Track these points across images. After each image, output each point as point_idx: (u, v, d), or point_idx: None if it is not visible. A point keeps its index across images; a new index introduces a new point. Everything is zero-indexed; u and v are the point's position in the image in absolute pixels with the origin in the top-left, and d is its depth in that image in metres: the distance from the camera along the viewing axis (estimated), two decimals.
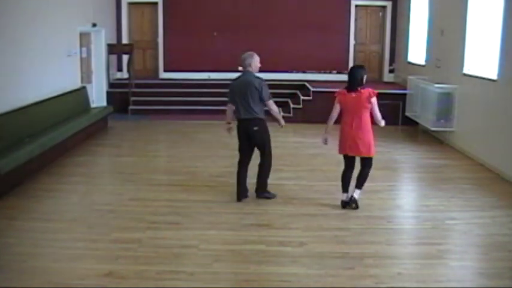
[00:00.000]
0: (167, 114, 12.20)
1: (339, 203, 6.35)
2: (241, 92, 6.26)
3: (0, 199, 6.30)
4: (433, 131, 10.13)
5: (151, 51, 14.21)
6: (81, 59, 11.11)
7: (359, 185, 6.22)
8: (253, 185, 6.54)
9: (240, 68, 6.47)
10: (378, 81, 13.90)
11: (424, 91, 10.36)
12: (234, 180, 7.27)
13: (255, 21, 13.82)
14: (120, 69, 13.84)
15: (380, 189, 6.98)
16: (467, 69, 9.15)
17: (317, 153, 8.84)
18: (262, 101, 6.30)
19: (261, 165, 6.47)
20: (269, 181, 6.72)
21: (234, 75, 14.27)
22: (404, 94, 11.59)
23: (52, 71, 9.34)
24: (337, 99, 6.18)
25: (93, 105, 11.20)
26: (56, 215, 5.96)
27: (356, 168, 6.30)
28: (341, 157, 8.75)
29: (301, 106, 12.07)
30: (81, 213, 6.01)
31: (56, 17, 9.46)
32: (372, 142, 6.09)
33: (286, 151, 8.96)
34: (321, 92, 11.86)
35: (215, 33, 13.85)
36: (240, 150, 6.46)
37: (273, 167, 7.75)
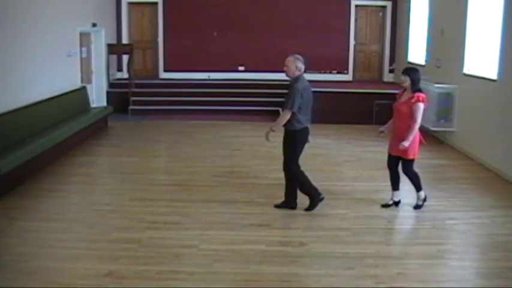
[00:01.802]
0: (167, 114, 12.21)
1: (339, 203, 6.38)
2: (310, 97, 6.05)
3: (1, 199, 6.30)
4: (433, 131, 10.13)
5: (151, 51, 14.21)
6: (81, 59, 11.11)
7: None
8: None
9: (302, 70, 5.97)
10: (378, 81, 13.93)
11: (424, 91, 10.33)
12: (234, 180, 7.30)
13: (255, 21, 13.83)
14: (120, 69, 13.85)
15: (380, 189, 6.98)
16: (467, 69, 9.16)
17: (317, 153, 8.84)
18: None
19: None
20: (269, 181, 6.74)
21: (234, 75, 14.46)
22: None
23: (52, 71, 9.34)
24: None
25: (93, 105, 11.20)
26: (57, 215, 5.97)
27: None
28: (340, 158, 8.83)
29: None
30: (82, 213, 6.02)
31: (56, 17, 9.47)
32: None
33: None
34: (321, 92, 11.84)
35: (215, 33, 13.86)
36: (298, 158, 6.15)
37: (273, 167, 7.79)
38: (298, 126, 5.89)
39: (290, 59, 5.95)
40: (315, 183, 7.22)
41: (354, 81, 13.85)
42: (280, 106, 12.52)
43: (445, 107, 9.65)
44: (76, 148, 8.92)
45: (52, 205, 6.33)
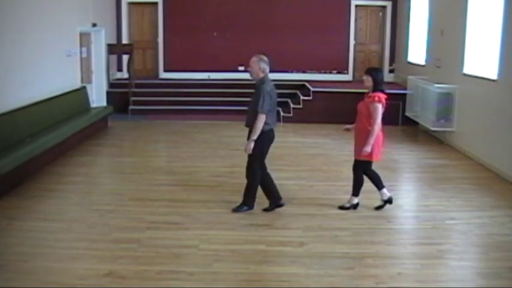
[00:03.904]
0: (167, 114, 12.21)
1: (339, 203, 6.38)
2: (276, 99, 5.97)
3: (1, 199, 6.30)
4: (433, 131, 10.13)
5: (151, 51, 14.21)
6: (81, 59, 11.10)
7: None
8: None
9: (266, 72, 5.88)
10: None
11: (424, 91, 10.36)
12: (234, 180, 7.30)
13: (255, 22, 13.83)
14: (120, 69, 13.85)
15: None
16: (467, 69, 9.15)
17: (317, 153, 8.85)
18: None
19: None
20: None
21: (234, 75, 14.44)
22: (404, 94, 11.59)
23: (52, 71, 9.33)
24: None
25: (93, 105, 11.19)
26: (56, 215, 5.96)
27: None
28: (340, 158, 8.80)
29: (301, 106, 12.07)
30: (81, 213, 6.02)
31: (56, 17, 9.46)
32: None
33: (286, 151, 8.96)
34: (321, 92, 11.88)
35: (215, 33, 13.86)
36: (263, 161, 6.13)
37: (273, 167, 7.75)
38: (266, 128, 5.82)
39: (254, 59, 5.86)
40: (314, 183, 7.27)
41: (354, 81, 13.83)
42: (279, 106, 12.53)
43: (445, 107, 9.65)
44: (76, 148, 8.91)
45: (52, 205, 6.33)
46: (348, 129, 6.40)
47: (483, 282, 4.60)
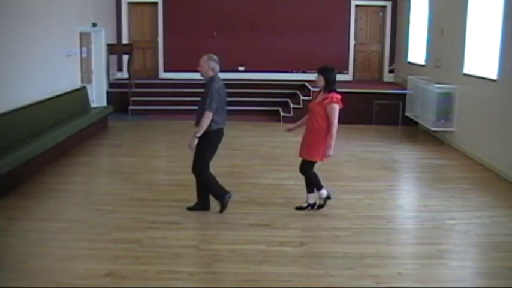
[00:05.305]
0: (167, 114, 12.21)
1: (339, 203, 6.37)
2: (225, 98, 5.96)
3: (1, 199, 6.30)
4: (433, 131, 10.13)
5: (151, 51, 14.21)
6: (81, 59, 11.10)
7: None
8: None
9: (216, 70, 5.88)
10: (378, 81, 13.93)
11: (424, 91, 10.36)
12: (234, 180, 7.29)
13: (255, 21, 13.83)
14: (120, 69, 13.85)
15: (380, 189, 6.99)
16: (467, 69, 9.16)
17: None
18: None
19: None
20: (269, 181, 6.72)
21: (234, 75, 14.41)
22: (404, 94, 11.59)
23: (52, 71, 9.33)
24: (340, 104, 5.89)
25: (93, 105, 11.19)
26: (57, 215, 5.96)
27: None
28: (340, 158, 8.79)
29: (301, 106, 12.06)
30: (82, 213, 6.01)
31: (56, 17, 9.46)
32: None
33: (286, 151, 8.95)
34: None
35: (215, 33, 13.86)
36: (210, 160, 6.05)
37: (273, 167, 7.76)
38: (215, 127, 5.81)
39: (204, 58, 5.86)
40: None
41: (354, 81, 13.84)
42: (279, 106, 12.57)
43: (445, 107, 9.65)
44: (76, 148, 8.91)
45: (52, 205, 6.32)
46: (290, 130, 6.34)
47: (483, 282, 4.60)
